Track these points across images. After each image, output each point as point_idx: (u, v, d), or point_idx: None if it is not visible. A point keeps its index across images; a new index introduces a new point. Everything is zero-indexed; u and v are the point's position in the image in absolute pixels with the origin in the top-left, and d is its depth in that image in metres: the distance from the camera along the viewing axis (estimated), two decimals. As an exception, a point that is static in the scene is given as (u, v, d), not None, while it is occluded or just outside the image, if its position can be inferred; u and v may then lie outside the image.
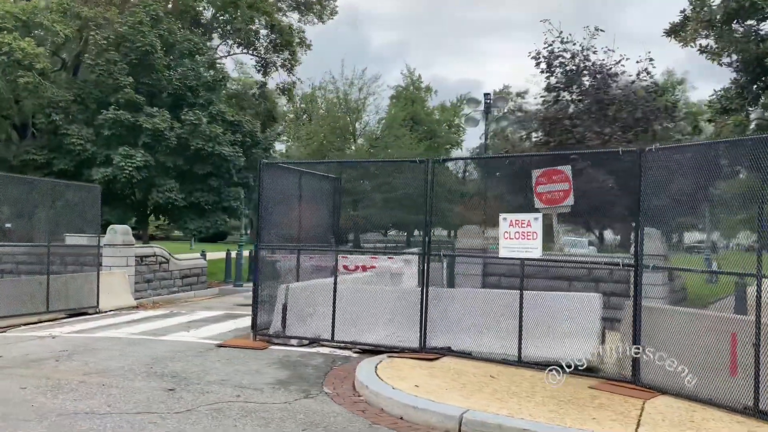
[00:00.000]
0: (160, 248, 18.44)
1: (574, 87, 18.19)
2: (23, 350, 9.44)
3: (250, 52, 27.00)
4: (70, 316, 13.70)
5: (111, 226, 16.64)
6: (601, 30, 18.00)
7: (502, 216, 8.60)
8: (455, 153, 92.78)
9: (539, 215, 8.38)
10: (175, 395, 6.86)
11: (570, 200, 13.95)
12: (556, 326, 8.29)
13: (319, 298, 10.24)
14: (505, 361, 8.32)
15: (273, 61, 27.41)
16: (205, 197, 21.03)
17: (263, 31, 26.53)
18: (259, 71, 27.41)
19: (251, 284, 21.81)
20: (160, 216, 21.72)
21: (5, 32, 17.62)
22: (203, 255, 20.92)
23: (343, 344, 9.74)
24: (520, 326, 8.27)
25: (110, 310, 14.82)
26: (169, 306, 15.98)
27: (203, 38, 24.49)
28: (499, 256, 8.67)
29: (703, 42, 18.17)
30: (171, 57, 21.32)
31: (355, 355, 9.33)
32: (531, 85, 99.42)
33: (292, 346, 9.91)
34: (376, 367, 8.05)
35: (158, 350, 9.43)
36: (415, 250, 19.05)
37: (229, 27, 26.30)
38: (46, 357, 8.89)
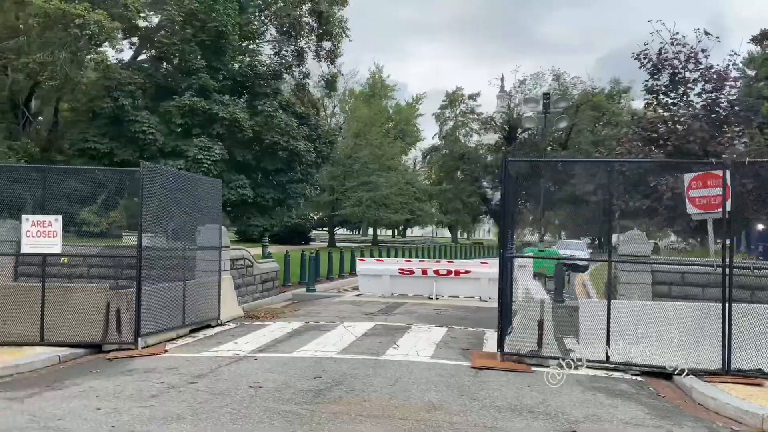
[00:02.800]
0: (246, 251, 16.74)
1: (680, 91, 17.90)
2: (262, 377, 7.90)
3: (287, 39, 25.11)
4: (195, 329, 12.03)
5: (207, 226, 14.85)
6: (710, 34, 17.86)
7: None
8: (413, 151, 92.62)
9: None
10: (598, 440, 5.75)
11: (727, 206, 13.56)
12: None
13: (581, 313, 9.25)
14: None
15: (315, 50, 25.67)
16: (271, 193, 19.26)
17: (305, 19, 24.76)
18: (294, 60, 25.57)
19: (314, 286, 20.58)
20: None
21: (76, 2, 15.21)
22: (269, 256, 19.27)
23: (613, 365, 8.80)
24: None
25: (228, 321, 13.21)
26: (283, 315, 14.43)
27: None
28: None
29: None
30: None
31: (641, 378, 8.43)
32: (489, 87, 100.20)
33: (550, 366, 8.87)
34: (734, 396, 7.20)
35: (422, 375, 8.15)
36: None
37: (270, 11, 24.31)
38: (316, 387, 7.43)
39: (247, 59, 19.10)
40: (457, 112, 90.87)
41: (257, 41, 20.88)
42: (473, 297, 17.74)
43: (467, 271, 17.79)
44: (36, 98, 25.69)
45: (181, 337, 11.32)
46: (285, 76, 21.19)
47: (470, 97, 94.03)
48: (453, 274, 17.83)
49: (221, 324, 12.83)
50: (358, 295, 18.47)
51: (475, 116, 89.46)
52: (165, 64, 21.88)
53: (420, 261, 18.73)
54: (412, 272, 18.15)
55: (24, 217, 9.89)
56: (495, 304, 16.57)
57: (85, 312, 10.16)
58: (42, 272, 10.02)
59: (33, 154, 17.12)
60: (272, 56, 21.69)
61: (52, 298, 10.06)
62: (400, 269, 18.28)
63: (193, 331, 11.90)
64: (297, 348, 10.01)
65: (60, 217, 9.97)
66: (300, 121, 19.56)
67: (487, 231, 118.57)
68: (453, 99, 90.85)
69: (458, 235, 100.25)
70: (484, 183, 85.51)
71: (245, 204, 18.52)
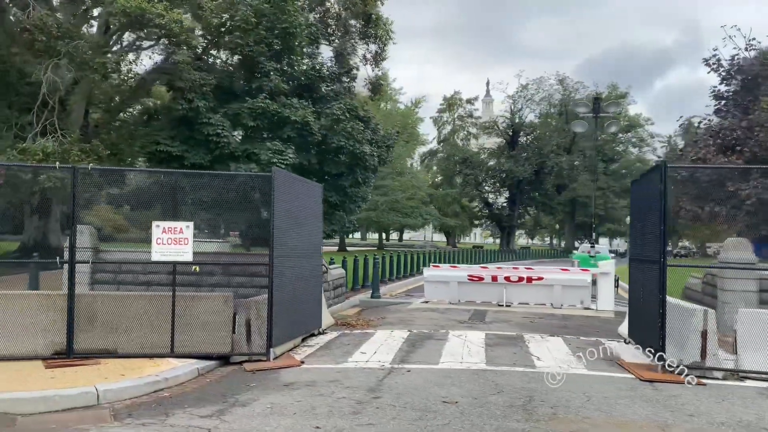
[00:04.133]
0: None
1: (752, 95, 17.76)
2: (444, 392, 7.58)
3: (331, 42, 24.69)
4: (304, 338, 11.68)
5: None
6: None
7: None
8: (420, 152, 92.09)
9: None
10: None
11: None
12: None
13: (740, 323, 9.04)
14: None
15: (362, 53, 25.28)
16: (333, 198, 18.87)
17: (352, 21, 24.33)
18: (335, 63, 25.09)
19: (378, 292, 20.09)
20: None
21: (155, 0, 14.71)
22: (333, 262, 18.90)
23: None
24: None
25: (325, 329, 12.87)
26: (373, 323, 14.10)
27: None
28: None
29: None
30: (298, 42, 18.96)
31: (816, 390, 8.23)
32: (493, 91, 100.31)
33: (715, 379, 8.65)
34: None
35: (603, 389, 7.89)
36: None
37: (316, 14, 23.83)
38: (513, 402, 7.13)
39: (306, 61, 18.68)
40: (455, 116, 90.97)
41: (317, 44, 20.47)
42: (544, 304, 17.54)
43: (540, 278, 17.58)
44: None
45: (297, 346, 10.98)
46: (344, 79, 20.88)
47: (468, 101, 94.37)
48: (525, 281, 17.62)
49: (323, 332, 12.49)
50: (426, 302, 18.18)
51: (474, 120, 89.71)
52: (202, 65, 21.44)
53: (498, 267, 18.47)
54: (481, 278, 17.91)
55: (155, 223, 9.47)
56: (572, 311, 16.54)
57: (211, 322, 9.76)
58: (173, 281, 9.57)
59: (102, 156, 16.58)
60: (332, 59, 21.34)
61: (178, 307, 9.67)
62: (469, 275, 18.03)
63: (302, 339, 11.56)
64: (436, 359, 9.70)
65: (191, 224, 9.57)
66: (364, 125, 19.24)
67: (486, 235, 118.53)
68: (451, 103, 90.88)
69: (456, 240, 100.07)
70: (486, 187, 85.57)
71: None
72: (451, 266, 19.17)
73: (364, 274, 22.58)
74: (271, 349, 9.75)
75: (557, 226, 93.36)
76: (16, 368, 8.56)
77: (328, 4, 23.40)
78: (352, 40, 23.29)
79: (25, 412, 7.10)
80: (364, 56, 25.29)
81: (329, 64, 20.68)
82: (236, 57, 18.15)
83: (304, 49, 19.36)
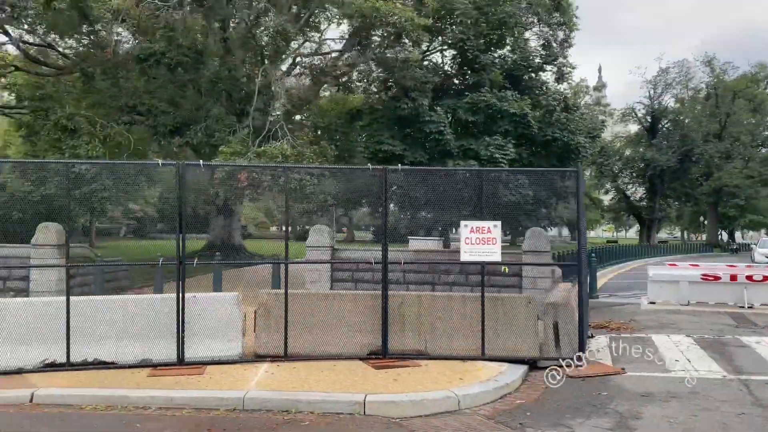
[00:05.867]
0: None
1: None
2: None
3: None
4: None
5: (533, 229, 14.00)
6: None
7: None
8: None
9: None
10: None
11: None
12: None
13: None
14: None
15: (550, 41, 24.22)
16: (542, 194, 18.22)
17: (539, 10, 23.37)
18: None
19: (596, 291, 19.06)
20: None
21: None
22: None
23: None
24: None
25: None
26: (630, 326, 13.19)
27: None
28: None
29: None
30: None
31: None
32: (630, 76, 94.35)
33: None
34: None
35: None
36: None
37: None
38: None
39: (513, 51, 18.09)
40: (582, 103, 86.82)
41: (523, 30, 19.88)
42: (792, 306, 15.89)
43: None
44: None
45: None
46: (547, 68, 20.18)
47: (595, 88, 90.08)
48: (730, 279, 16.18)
49: (590, 336, 11.81)
50: (652, 302, 17.02)
51: (602, 108, 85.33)
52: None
53: (748, 266, 17.04)
54: (718, 278, 16.52)
55: (463, 223, 9.26)
56: None
57: (515, 323, 9.39)
58: (482, 281, 9.31)
59: (329, 157, 16.92)
60: (538, 48, 20.67)
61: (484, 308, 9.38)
62: (702, 275, 16.70)
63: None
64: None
65: (499, 224, 9.27)
66: (576, 115, 18.37)
67: (610, 229, 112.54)
68: (576, 90, 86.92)
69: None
70: (624, 178, 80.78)
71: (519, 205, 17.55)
72: (691, 264, 17.87)
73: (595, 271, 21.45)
74: (582, 354, 9.24)
75: (702, 218, 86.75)
76: (349, 368, 8.65)
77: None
78: (543, 27, 22.35)
79: (397, 415, 7.04)
80: (551, 43, 24.17)
81: (535, 54, 19.90)
82: (452, 52, 17.86)
83: (509, 40, 18.73)
